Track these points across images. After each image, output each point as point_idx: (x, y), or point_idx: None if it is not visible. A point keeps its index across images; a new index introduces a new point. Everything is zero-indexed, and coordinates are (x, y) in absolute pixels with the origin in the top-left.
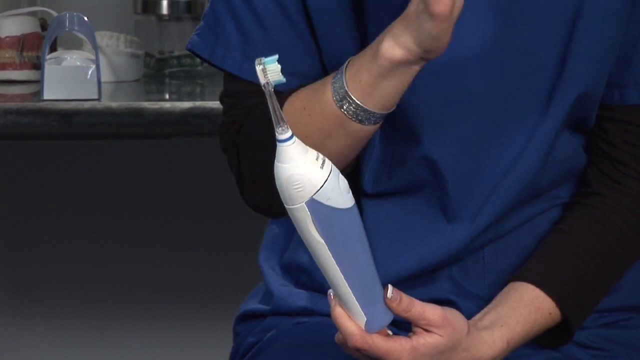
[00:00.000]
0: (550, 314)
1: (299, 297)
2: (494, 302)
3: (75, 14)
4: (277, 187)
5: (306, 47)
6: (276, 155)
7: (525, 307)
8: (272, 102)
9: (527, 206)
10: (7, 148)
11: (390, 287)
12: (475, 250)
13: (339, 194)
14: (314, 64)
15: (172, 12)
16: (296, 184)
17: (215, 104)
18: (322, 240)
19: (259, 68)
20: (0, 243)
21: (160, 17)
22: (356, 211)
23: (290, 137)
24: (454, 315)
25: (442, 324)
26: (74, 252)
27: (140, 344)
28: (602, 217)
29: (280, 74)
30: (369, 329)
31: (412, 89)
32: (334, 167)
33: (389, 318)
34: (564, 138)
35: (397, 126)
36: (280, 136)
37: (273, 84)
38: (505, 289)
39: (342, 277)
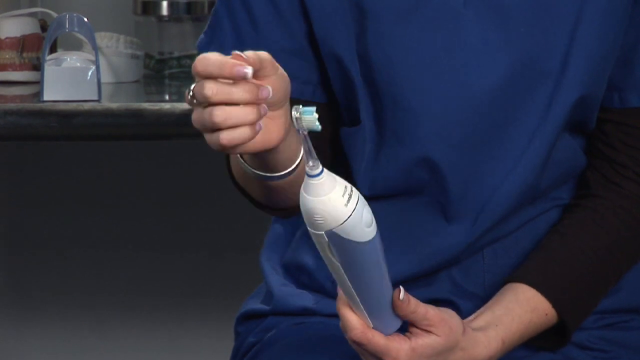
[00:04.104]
0: (546, 314)
1: (300, 298)
2: (489, 302)
3: (75, 15)
4: (302, 211)
5: (302, 51)
6: (304, 184)
7: (521, 307)
8: (305, 145)
9: (527, 207)
10: (7, 149)
11: (402, 289)
12: (475, 251)
13: (360, 229)
14: (309, 68)
15: (172, 13)
16: (318, 217)
17: None
18: (338, 264)
19: (295, 115)
20: None
21: (160, 18)
22: (377, 241)
23: (320, 174)
24: (450, 315)
25: (441, 323)
26: (73, 253)
27: (141, 344)
28: (600, 219)
29: (317, 122)
30: None
31: (415, 91)
32: (360, 201)
33: (395, 327)
34: (564, 140)
35: (395, 129)
36: (311, 171)
37: (307, 130)
38: (502, 290)
39: (355, 294)
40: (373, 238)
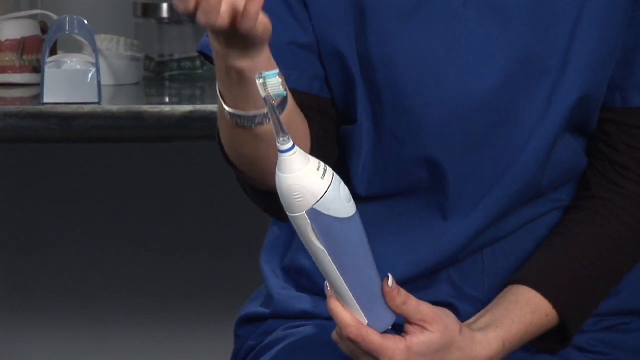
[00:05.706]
0: (547, 315)
1: (299, 301)
2: (490, 305)
3: (75, 17)
4: (279, 195)
5: (312, 45)
6: (277, 164)
7: (521, 309)
8: (273, 114)
9: (526, 208)
10: (7, 151)
11: (390, 277)
12: (474, 251)
13: (340, 204)
14: (318, 63)
15: (172, 16)
16: (296, 194)
17: (215, 107)
18: (322, 248)
19: (259, 82)
20: None
21: (160, 20)
22: (358, 219)
23: (292, 148)
24: (445, 314)
25: (435, 320)
26: (73, 256)
27: (141, 347)
28: (601, 220)
29: (281, 87)
30: None
31: (415, 91)
32: (335, 176)
33: (389, 322)
34: (566, 140)
35: (394, 128)
36: (282, 147)
37: (274, 97)
38: (503, 292)
39: (344, 282)
40: (354, 215)
